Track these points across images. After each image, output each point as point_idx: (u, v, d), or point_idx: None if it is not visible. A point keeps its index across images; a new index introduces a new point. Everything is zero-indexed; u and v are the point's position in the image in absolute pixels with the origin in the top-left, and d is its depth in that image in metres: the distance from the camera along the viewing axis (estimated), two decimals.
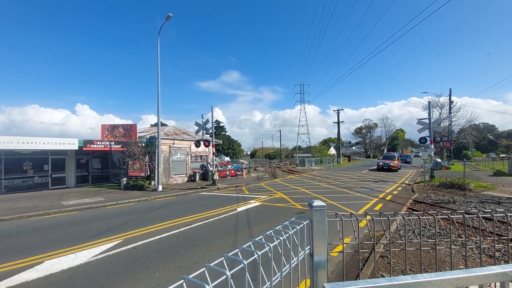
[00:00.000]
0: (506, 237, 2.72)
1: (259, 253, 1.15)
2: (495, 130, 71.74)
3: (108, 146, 18.05)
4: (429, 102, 18.72)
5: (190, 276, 0.90)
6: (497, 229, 6.35)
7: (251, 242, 1.24)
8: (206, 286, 0.84)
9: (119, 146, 18.46)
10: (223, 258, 1.10)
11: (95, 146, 17.44)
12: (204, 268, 0.99)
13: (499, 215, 2.63)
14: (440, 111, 39.02)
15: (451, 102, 34.35)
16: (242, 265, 1.05)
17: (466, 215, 2.55)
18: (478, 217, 2.58)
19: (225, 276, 0.96)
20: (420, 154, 53.25)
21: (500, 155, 44.02)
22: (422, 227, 6.75)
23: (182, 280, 0.89)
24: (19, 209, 10.27)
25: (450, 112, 34.43)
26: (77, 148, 16.55)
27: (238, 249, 1.17)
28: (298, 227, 1.47)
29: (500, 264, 1.23)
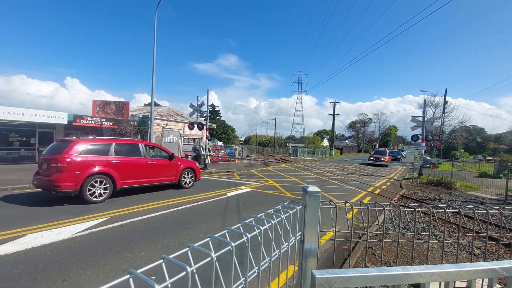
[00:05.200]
0: (486, 236, 2.75)
1: (249, 235, 1.07)
2: (483, 133, 73.34)
3: (99, 122, 17.65)
4: (424, 100, 18.83)
5: (171, 256, 0.81)
6: (477, 227, 6.52)
7: (240, 224, 1.16)
8: (188, 268, 0.75)
9: (111, 124, 18.08)
10: (209, 239, 1.01)
11: (85, 121, 17.03)
12: (187, 249, 0.91)
13: (466, 211, 2.63)
14: (434, 110, 39.46)
15: (445, 102, 34.69)
16: (230, 247, 0.97)
17: (433, 209, 2.54)
18: (445, 211, 2.56)
19: (209, 258, 0.87)
20: (404, 153, 52.01)
21: (487, 158, 45.13)
22: (408, 221, 6.86)
23: (161, 260, 0.81)
24: (3, 181, 10.01)
25: (443, 112, 34.85)
26: (66, 123, 16.12)
27: (226, 231, 1.09)
28: (291, 212, 1.39)
29: (478, 262, 1.23)
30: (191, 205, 7.82)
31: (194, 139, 23.60)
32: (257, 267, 1.20)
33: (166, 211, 7.00)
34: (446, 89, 33.78)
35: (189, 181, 10.67)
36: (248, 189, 10.80)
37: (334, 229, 1.95)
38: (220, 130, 55.12)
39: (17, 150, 16.23)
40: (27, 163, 16.02)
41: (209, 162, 18.31)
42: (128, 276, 0.67)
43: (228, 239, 1.04)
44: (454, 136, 45.55)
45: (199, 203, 8.10)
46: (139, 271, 0.70)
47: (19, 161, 16.07)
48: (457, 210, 2.32)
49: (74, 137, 8.32)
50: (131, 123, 18.78)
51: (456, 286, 1.58)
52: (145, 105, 38.90)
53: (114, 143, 8.45)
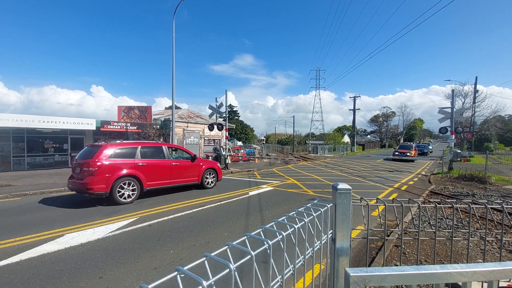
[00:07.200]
0: None
1: (284, 234, 1.08)
2: None
3: (124, 127, 18.43)
4: (452, 90, 17.80)
5: (212, 254, 0.84)
6: None
7: (273, 223, 1.17)
8: (230, 265, 0.78)
9: (135, 128, 18.82)
10: (245, 237, 1.03)
11: (112, 127, 17.86)
12: (226, 247, 0.93)
13: (509, 206, 2.44)
14: (463, 101, 37.08)
15: (476, 91, 32.57)
16: (266, 245, 0.98)
17: (472, 205, 2.39)
18: (486, 207, 2.41)
19: (249, 256, 0.89)
20: (430, 147, 48.00)
21: None
22: (439, 218, 6.55)
23: (204, 258, 0.84)
24: (41, 185, 10.76)
25: (474, 102, 32.72)
26: (94, 129, 17.01)
27: (260, 229, 1.11)
28: (322, 210, 1.39)
29: None
30: (214, 204, 7.96)
31: (214, 139, 23.98)
32: (292, 265, 1.21)
33: (191, 211, 7.18)
34: (476, 77, 31.78)
35: (211, 181, 10.87)
36: (269, 188, 10.81)
37: (366, 226, 1.91)
38: (239, 130, 55.58)
39: (52, 156, 17.37)
40: (61, 167, 17.10)
41: (230, 162, 18.53)
42: None
43: (249, 246, 1.00)
44: (487, 127, 42.55)
45: (222, 202, 8.23)
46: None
47: (54, 166, 17.19)
48: (499, 206, 2.18)
49: (103, 142, 8.73)
50: (154, 126, 19.44)
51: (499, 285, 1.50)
52: (166, 108, 40.06)
53: (140, 147, 8.79)
